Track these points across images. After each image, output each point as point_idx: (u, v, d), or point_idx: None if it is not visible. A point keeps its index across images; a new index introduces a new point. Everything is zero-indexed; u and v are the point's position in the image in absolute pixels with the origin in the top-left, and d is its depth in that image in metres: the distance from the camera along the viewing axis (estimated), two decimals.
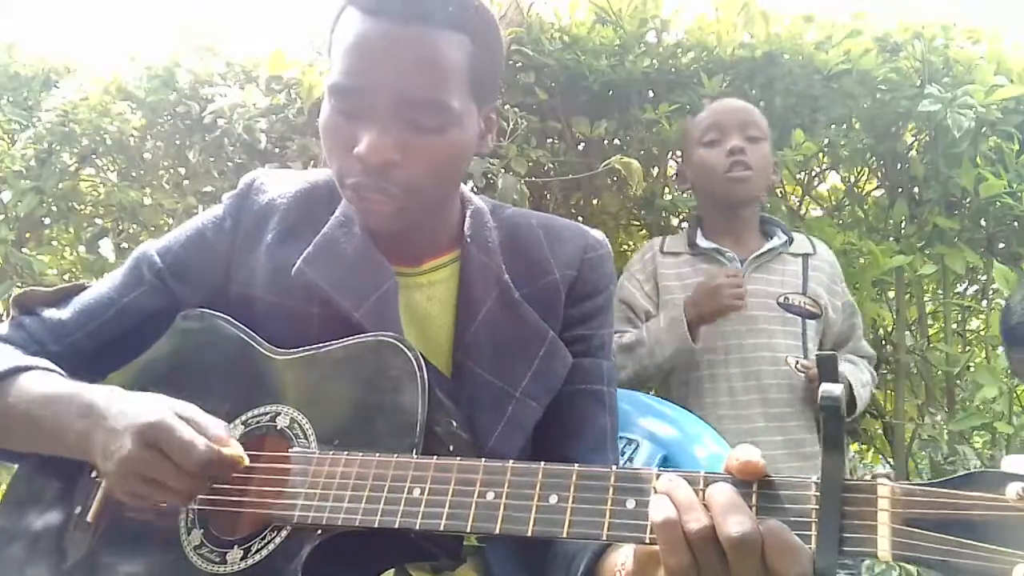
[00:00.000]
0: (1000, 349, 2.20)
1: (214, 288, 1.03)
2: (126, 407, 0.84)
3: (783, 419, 1.78)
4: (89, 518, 0.91)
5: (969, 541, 0.57)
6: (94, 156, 2.43)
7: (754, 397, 1.79)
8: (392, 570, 0.92)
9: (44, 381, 0.92)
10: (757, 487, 0.65)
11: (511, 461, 0.75)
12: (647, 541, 0.67)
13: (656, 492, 0.67)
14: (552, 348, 1.01)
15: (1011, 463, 0.58)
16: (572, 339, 1.04)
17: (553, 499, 0.71)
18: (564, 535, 0.69)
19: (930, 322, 2.63)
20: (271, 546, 0.81)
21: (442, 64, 0.90)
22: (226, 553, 0.82)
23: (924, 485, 0.60)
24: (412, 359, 0.85)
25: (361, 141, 0.90)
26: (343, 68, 0.92)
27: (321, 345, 0.92)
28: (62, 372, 0.96)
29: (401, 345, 0.86)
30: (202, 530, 0.85)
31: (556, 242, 1.07)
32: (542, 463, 0.73)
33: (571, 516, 0.69)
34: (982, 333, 2.61)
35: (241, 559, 0.81)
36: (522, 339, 1.00)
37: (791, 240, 1.92)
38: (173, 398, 0.86)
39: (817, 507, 0.62)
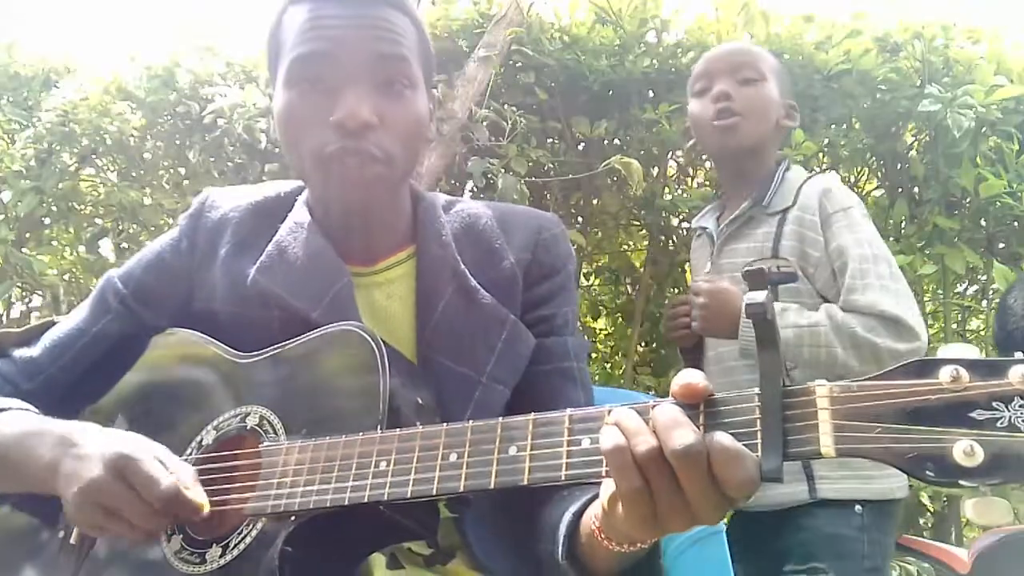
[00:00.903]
0: None
1: (178, 308, 1.05)
2: (99, 439, 0.85)
3: None
4: (72, 540, 0.92)
5: (909, 426, 0.58)
6: (94, 156, 2.44)
7: (724, 380, 1.59)
8: (383, 557, 0.93)
9: (16, 420, 0.93)
10: (704, 407, 0.66)
11: (470, 421, 0.76)
12: (603, 474, 0.68)
13: (607, 425, 0.68)
14: (514, 331, 1.02)
15: (945, 351, 0.60)
16: (534, 320, 1.05)
17: (512, 450, 0.72)
18: (525, 482, 0.70)
19: (930, 322, 2.62)
20: (248, 539, 0.82)
21: (400, 30, 0.99)
22: (205, 553, 0.83)
23: (860, 380, 0.61)
24: (368, 339, 0.86)
25: (337, 109, 0.95)
26: (306, 42, 0.96)
27: (282, 344, 0.94)
28: (36, 410, 0.96)
29: (356, 329, 0.88)
30: (181, 535, 0.86)
31: (510, 228, 1.10)
32: (500, 418, 0.75)
33: (530, 463, 0.71)
34: (982, 333, 2.61)
35: (220, 556, 0.82)
36: (483, 326, 1.01)
37: (763, 199, 1.65)
38: (149, 418, 0.89)
39: (760, 416, 0.63)
